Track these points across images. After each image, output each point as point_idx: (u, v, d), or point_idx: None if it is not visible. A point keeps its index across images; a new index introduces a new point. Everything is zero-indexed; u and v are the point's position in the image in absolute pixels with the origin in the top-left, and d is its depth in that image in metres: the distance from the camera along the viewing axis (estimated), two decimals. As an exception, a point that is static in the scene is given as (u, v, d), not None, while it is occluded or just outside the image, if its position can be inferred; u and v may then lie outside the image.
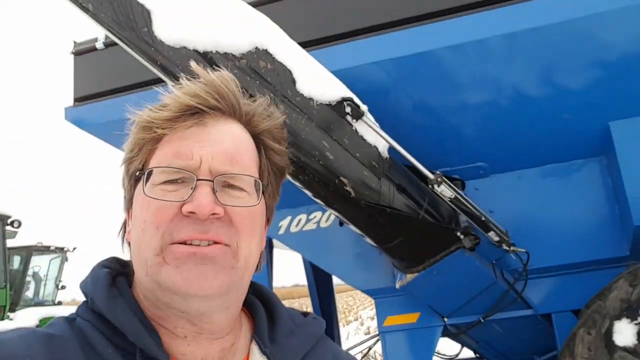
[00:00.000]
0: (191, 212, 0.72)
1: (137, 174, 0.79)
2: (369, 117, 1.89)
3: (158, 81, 1.67)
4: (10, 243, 9.89)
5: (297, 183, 1.95)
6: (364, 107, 1.87)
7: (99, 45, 2.46)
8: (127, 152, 0.82)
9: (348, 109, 1.83)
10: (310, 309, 4.32)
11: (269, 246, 3.07)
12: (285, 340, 0.85)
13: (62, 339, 0.73)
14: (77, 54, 2.52)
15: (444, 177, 1.98)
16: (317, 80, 1.82)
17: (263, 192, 0.81)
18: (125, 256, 0.88)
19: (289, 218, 2.77)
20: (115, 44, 1.84)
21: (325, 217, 2.70)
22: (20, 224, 9.78)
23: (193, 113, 0.78)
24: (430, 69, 2.14)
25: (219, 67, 1.69)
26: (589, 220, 2.36)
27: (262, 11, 1.82)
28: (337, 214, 2.07)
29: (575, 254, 2.36)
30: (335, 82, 1.88)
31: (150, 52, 1.69)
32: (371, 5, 2.16)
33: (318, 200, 2.01)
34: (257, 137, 0.84)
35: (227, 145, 0.78)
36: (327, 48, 2.14)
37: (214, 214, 0.73)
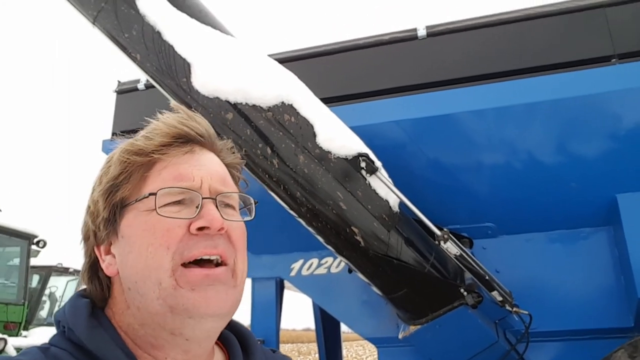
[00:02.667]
0: (201, 229, 0.76)
1: (137, 200, 0.78)
2: (382, 173, 2.00)
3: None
4: (31, 262, 10.12)
5: (310, 229, 2.06)
6: (378, 163, 1.99)
7: (140, 86, 2.67)
8: (110, 179, 0.81)
9: (363, 164, 1.95)
10: (317, 355, 4.31)
11: (280, 287, 3.14)
12: None
13: None
14: (120, 92, 2.74)
15: (450, 234, 2.06)
16: (336, 135, 1.95)
17: (253, 208, 0.88)
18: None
19: (301, 261, 2.86)
20: (154, 87, 2.02)
21: (336, 263, 2.78)
22: (45, 244, 10.01)
23: (183, 141, 0.83)
24: (447, 131, 2.26)
25: (247, 116, 1.86)
26: (594, 288, 2.38)
27: (289, 68, 1.99)
28: (346, 261, 2.16)
29: (579, 321, 2.38)
30: (353, 138, 2.01)
31: (186, 99, 1.86)
32: (392, 69, 2.31)
33: (329, 247, 2.11)
34: (227, 167, 0.90)
35: (217, 169, 0.85)
36: (348, 105, 2.29)
37: (222, 228, 0.77)
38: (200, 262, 0.76)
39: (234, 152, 0.93)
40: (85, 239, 0.86)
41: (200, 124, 0.86)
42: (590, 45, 2.20)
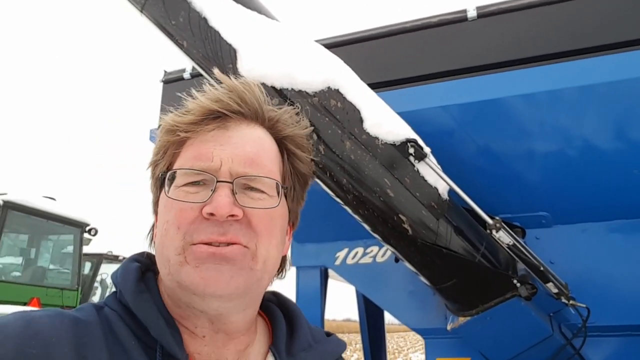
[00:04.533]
0: (210, 214, 0.74)
1: (161, 176, 0.82)
2: (431, 159, 1.94)
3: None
4: (84, 249, 10.56)
5: (356, 217, 2.03)
6: (427, 149, 1.93)
7: (186, 75, 2.69)
8: (153, 155, 0.86)
9: (411, 150, 1.90)
10: (359, 345, 4.30)
11: (325, 276, 3.12)
12: (301, 354, 0.85)
13: (88, 323, 0.74)
14: (166, 82, 2.77)
15: (503, 223, 1.99)
16: (384, 121, 1.91)
17: (285, 195, 0.83)
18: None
19: (345, 250, 2.84)
20: (201, 75, 2.02)
21: (381, 252, 2.74)
22: (96, 232, 10.43)
23: (215, 117, 0.81)
24: (497, 116, 2.17)
25: (292, 102, 1.84)
26: (657, 281, 2.25)
27: (336, 53, 1.95)
28: (393, 250, 2.12)
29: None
30: (401, 123, 1.96)
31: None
32: (440, 52, 2.23)
33: (376, 235, 2.07)
34: (280, 142, 0.86)
35: (248, 148, 0.80)
36: (395, 90, 2.23)
37: (232, 215, 0.74)
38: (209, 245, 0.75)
39: (295, 123, 0.88)
40: (152, 203, 0.91)
41: (241, 97, 0.82)
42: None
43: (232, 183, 0.76)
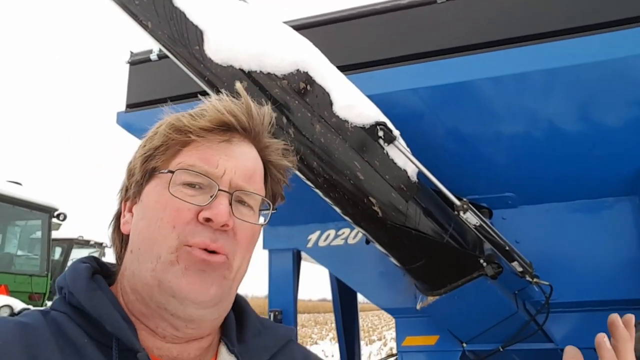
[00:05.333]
0: (207, 219, 0.76)
1: (161, 172, 0.81)
2: (400, 142, 1.96)
3: (204, 93, 1.80)
4: (53, 235, 10.34)
5: (327, 200, 2.04)
6: (396, 132, 1.94)
7: (153, 57, 2.63)
8: (151, 148, 0.84)
9: (381, 133, 1.91)
10: (334, 325, 4.36)
11: (297, 258, 3.14)
12: (252, 340, 0.87)
13: (35, 327, 0.73)
14: (133, 63, 2.70)
15: (470, 204, 2.02)
16: (353, 103, 1.91)
17: (269, 214, 0.88)
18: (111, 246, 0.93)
19: (317, 232, 2.86)
20: (168, 57, 1.98)
21: (353, 234, 2.77)
22: (65, 217, 10.22)
23: (224, 130, 0.84)
24: (466, 99, 2.19)
25: (261, 85, 1.82)
26: (616, 259, 2.34)
27: (305, 35, 1.93)
28: (364, 232, 2.14)
29: (600, 292, 2.34)
30: (371, 106, 1.96)
31: (199, 67, 1.82)
32: (409, 35, 2.24)
33: (347, 218, 2.09)
34: (265, 164, 0.90)
35: (248, 164, 0.84)
36: (365, 73, 2.23)
37: (226, 224, 0.77)
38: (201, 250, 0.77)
39: (284, 154, 0.93)
40: (120, 191, 0.90)
41: (251, 115, 0.86)
42: (615, 5, 2.09)
43: (231, 194, 0.79)
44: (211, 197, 0.78)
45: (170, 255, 0.76)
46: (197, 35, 1.76)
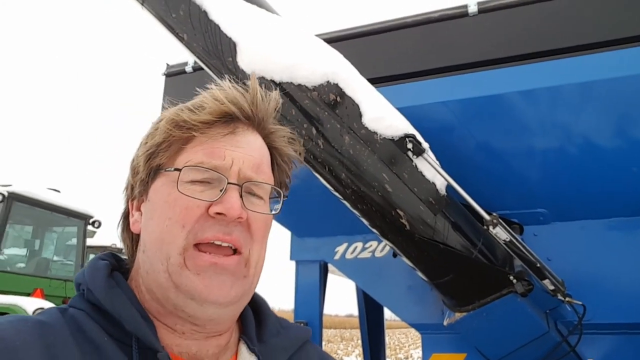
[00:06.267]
0: (219, 214, 0.75)
1: (167, 170, 0.80)
2: (429, 155, 1.95)
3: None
4: (88, 242, 10.61)
5: (355, 211, 2.04)
6: (425, 145, 1.94)
7: (188, 69, 2.71)
8: (153, 145, 0.82)
9: (410, 145, 1.91)
10: (360, 342, 4.32)
11: (324, 270, 3.14)
12: (272, 340, 0.87)
13: (53, 326, 0.71)
14: (168, 75, 2.78)
15: (500, 219, 1.99)
16: (383, 116, 1.91)
17: (281, 202, 0.86)
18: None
19: (345, 244, 2.85)
20: (202, 69, 2.03)
21: (380, 247, 2.75)
22: (100, 224, 10.47)
23: (227, 121, 0.82)
24: (497, 112, 2.17)
25: (292, 96, 1.84)
26: (654, 280, 2.25)
27: (337, 48, 1.95)
28: (391, 245, 2.13)
29: (636, 314, 2.26)
30: (400, 119, 1.97)
31: (232, 79, 1.86)
32: (440, 48, 2.24)
33: (374, 230, 2.08)
34: (272, 151, 0.89)
35: (255, 154, 0.82)
36: (395, 86, 2.23)
37: (239, 217, 0.76)
38: (213, 246, 0.76)
39: (290, 142, 0.91)
40: (125, 189, 0.89)
41: (252, 103, 0.84)
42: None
43: (241, 186, 0.78)
44: (221, 191, 0.77)
45: (178, 256, 0.75)
46: (230, 47, 1.80)
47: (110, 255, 0.86)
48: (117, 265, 0.85)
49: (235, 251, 0.77)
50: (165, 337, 0.77)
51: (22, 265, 9.33)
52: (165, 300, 0.77)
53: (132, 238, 0.87)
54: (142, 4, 1.90)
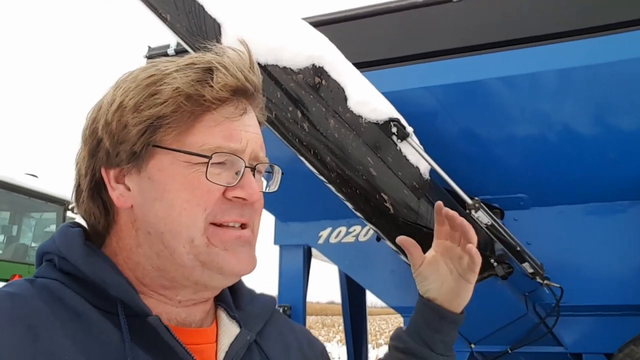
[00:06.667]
0: (238, 198, 0.75)
1: (195, 153, 0.73)
2: (413, 139, 1.97)
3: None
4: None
5: (340, 195, 2.05)
6: (409, 129, 1.95)
7: (170, 51, 2.67)
8: (155, 114, 0.72)
9: (394, 129, 1.92)
10: (342, 327, 4.35)
11: (308, 254, 3.16)
12: (248, 307, 0.89)
13: (24, 297, 0.67)
14: (150, 57, 2.74)
15: (482, 204, 2.03)
16: (367, 99, 1.92)
17: (278, 180, 0.88)
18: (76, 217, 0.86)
19: (329, 229, 2.87)
20: (185, 51, 2.01)
21: (364, 232, 2.78)
22: (79, 209, 10.30)
23: (240, 97, 0.78)
24: (479, 98, 2.19)
25: (277, 79, 1.84)
26: (629, 263, 2.31)
27: (322, 31, 1.95)
28: (375, 228, 2.15)
29: (612, 297, 2.32)
30: (385, 103, 1.98)
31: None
32: (424, 33, 2.24)
33: (358, 214, 2.10)
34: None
35: (258, 132, 0.83)
36: (380, 70, 2.24)
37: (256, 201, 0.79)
38: (229, 227, 0.77)
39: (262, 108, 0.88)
40: (90, 153, 0.78)
41: (257, 73, 0.81)
42: (632, 5, 2.08)
43: (254, 168, 0.79)
44: (237, 173, 0.76)
45: (202, 237, 0.73)
46: (215, 28, 1.78)
47: (79, 224, 0.82)
48: (87, 235, 0.80)
49: (244, 226, 0.80)
50: (151, 305, 0.74)
51: (0, 251, 9.19)
52: (184, 278, 0.75)
53: (107, 209, 0.79)
54: (125, -17, 1.87)
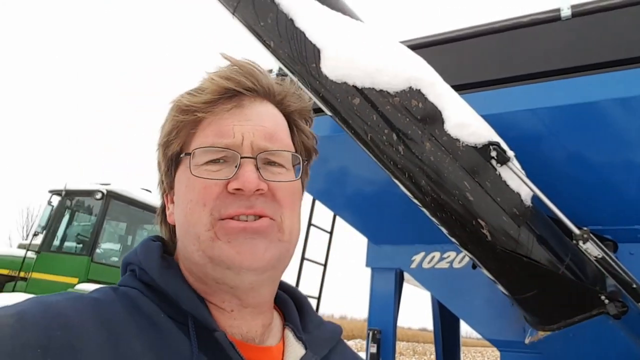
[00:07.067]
0: (237, 189, 0.75)
1: (181, 155, 0.80)
2: (514, 164, 1.88)
3: (318, 110, 1.87)
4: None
5: (434, 219, 2.00)
6: (510, 153, 1.87)
7: (272, 76, 2.80)
8: (165, 135, 0.83)
9: (494, 153, 1.85)
10: (434, 356, 4.20)
11: (400, 278, 3.10)
12: (315, 331, 0.87)
13: (108, 303, 0.72)
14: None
15: (591, 234, 1.87)
16: (466, 122, 1.87)
17: (302, 167, 0.84)
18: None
19: (422, 254, 2.80)
20: (286, 75, 2.10)
21: (459, 258, 2.68)
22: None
23: (231, 96, 0.80)
24: (591, 121, 2.05)
25: (373, 102, 1.85)
26: None
27: (421, 54, 1.94)
28: (471, 255, 2.07)
29: None
30: (484, 126, 1.91)
31: (315, 85, 1.91)
32: (527, 54, 2.15)
33: (453, 240, 2.03)
34: (288, 117, 0.86)
35: (266, 123, 0.80)
36: (480, 92, 2.17)
37: (258, 189, 0.75)
38: (239, 220, 0.76)
39: (299, 97, 0.88)
40: (159, 184, 0.89)
41: (251, 74, 0.81)
42: None
43: (255, 158, 0.77)
44: (236, 167, 0.76)
45: (208, 232, 0.75)
46: (314, 53, 1.85)
47: (161, 238, 0.87)
48: (166, 248, 0.86)
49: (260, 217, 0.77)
50: (218, 318, 0.77)
51: (116, 259, 10.01)
52: (206, 277, 0.77)
53: (170, 230, 0.87)
54: (233, 14, 2.00)
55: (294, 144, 0.86)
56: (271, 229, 0.77)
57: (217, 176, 0.76)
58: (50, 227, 9.20)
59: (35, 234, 9.46)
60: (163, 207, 0.88)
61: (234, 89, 0.80)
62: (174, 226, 0.85)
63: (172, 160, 0.82)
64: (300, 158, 0.84)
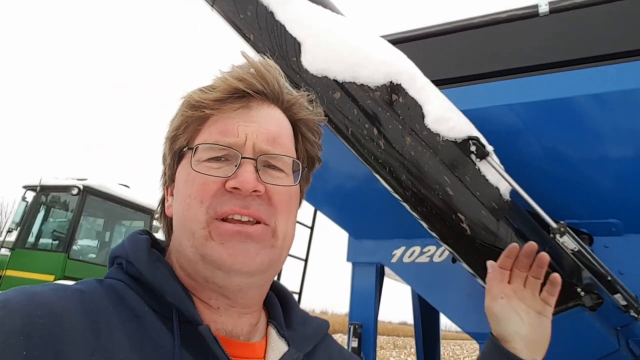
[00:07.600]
0: (234, 188, 0.76)
1: (184, 150, 0.82)
2: (493, 158, 1.89)
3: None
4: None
5: (415, 214, 2.01)
6: (489, 148, 1.88)
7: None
8: (173, 129, 0.85)
9: (473, 148, 1.86)
10: (414, 349, 4.24)
11: (380, 273, 3.12)
12: (299, 328, 0.88)
13: (92, 294, 0.72)
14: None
15: (568, 228, 1.90)
16: (446, 117, 1.88)
17: (301, 174, 0.85)
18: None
19: (402, 248, 2.82)
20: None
21: (439, 252, 2.70)
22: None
23: (240, 96, 0.82)
24: (567, 116, 2.08)
25: (353, 96, 1.85)
26: None
27: (402, 49, 1.94)
28: (451, 250, 2.08)
29: None
30: (464, 121, 1.92)
31: (295, 78, 1.90)
32: (505, 50, 2.17)
33: (434, 234, 2.04)
34: (294, 125, 0.88)
35: (270, 127, 0.82)
36: (459, 87, 2.19)
37: (255, 190, 0.76)
38: (235, 220, 0.77)
39: (308, 108, 0.90)
40: (162, 176, 0.92)
41: (263, 77, 0.83)
42: None
43: (255, 160, 0.78)
44: (236, 166, 0.78)
45: (202, 230, 0.76)
46: (295, 47, 1.83)
47: (148, 232, 0.88)
48: (153, 242, 0.87)
49: (257, 223, 0.78)
50: (202, 313, 0.78)
51: (93, 255, 9.87)
52: (196, 274, 0.78)
53: (167, 222, 0.89)
54: (212, 6, 1.97)
55: (297, 151, 0.87)
56: (265, 235, 0.78)
57: (217, 173, 0.77)
58: (25, 223, 9.03)
59: (9, 231, 9.27)
60: (162, 199, 0.91)
61: (243, 90, 0.81)
62: (172, 219, 0.86)
63: (175, 153, 0.85)
64: (301, 165, 0.85)
